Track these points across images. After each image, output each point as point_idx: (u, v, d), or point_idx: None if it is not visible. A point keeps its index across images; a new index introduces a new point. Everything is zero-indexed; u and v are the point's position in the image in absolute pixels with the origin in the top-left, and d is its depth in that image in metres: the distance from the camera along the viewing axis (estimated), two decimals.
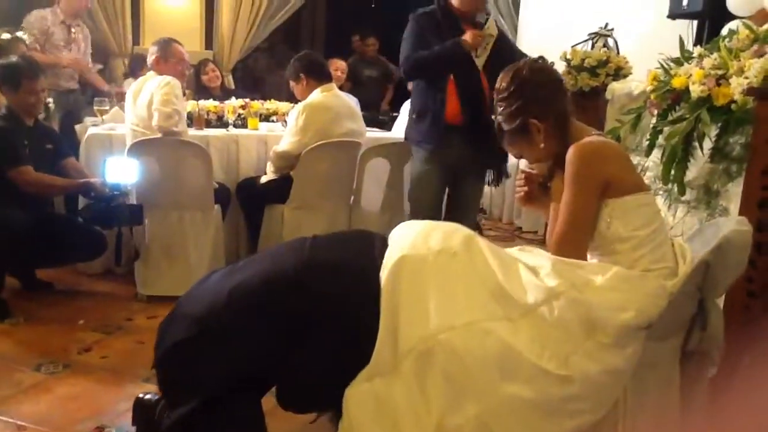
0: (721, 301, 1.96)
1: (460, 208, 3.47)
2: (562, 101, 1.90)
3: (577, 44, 4.53)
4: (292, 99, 4.17)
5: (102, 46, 5.86)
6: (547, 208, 1.99)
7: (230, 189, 3.84)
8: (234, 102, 4.43)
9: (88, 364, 2.68)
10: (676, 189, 2.49)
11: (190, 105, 4.18)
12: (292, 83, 3.81)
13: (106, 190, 3.22)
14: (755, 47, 2.31)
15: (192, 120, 4.03)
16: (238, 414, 1.66)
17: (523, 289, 1.66)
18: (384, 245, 1.75)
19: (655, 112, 2.67)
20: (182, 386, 1.68)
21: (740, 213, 2.15)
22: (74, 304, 3.35)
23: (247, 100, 4.56)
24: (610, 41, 4.61)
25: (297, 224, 3.62)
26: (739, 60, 2.30)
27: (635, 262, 1.72)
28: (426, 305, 1.60)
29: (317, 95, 3.67)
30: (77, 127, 4.24)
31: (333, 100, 3.70)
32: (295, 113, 3.64)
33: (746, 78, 2.20)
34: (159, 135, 3.39)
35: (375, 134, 4.39)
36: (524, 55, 3.23)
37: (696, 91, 2.38)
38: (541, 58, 1.97)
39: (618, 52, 4.50)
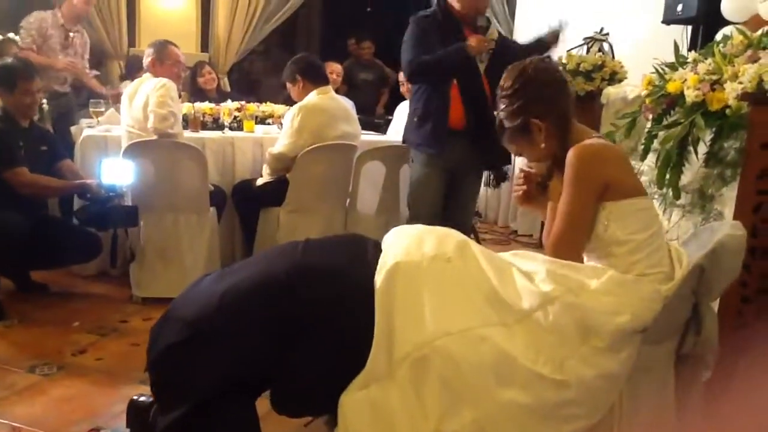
0: (715, 305, 1.97)
1: (457, 210, 3.48)
2: (566, 102, 1.89)
3: (572, 48, 4.54)
4: (288, 102, 4.17)
5: (98, 48, 5.84)
6: (545, 207, 1.99)
7: (226, 191, 3.84)
8: (230, 104, 4.43)
9: (83, 365, 2.68)
10: (671, 193, 2.50)
11: (186, 107, 4.17)
12: (288, 85, 3.81)
13: (101, 192, 3.22)
14: (749, 53, 2.32)
15: (188, 122, 4.03)
16: (232, 417, 1.66)
17: (518, 294, 1.66)
18: (377, 250, 1.75)
19: (650, 116, 2.68)
20: (175, 389, 1.67)
21: (735, 217, 2.16)
22: (69, 305, 3.34)
23: (243, 102, 4.56)
24: (606, 46, 4.63)
25: (293, 227, 3.62)
26: (734, 65, 2.31)
27: (631, 266, 1.73)
28: (421, 311, 1.60)
29: (313, 97, 3.67)
30: (73, 128, 4.24)
31: (329, 103, 3.70)
32: (290, 115, 3.64)
33: (740, 83, 2.21)
34: (154, 137, 3.38)
35: (370, 137, 4.40)
36: (525, 49, 3.25)
37: (690, 95, 2.39)
38: (548, 57, 1.98)
39: (613, 57, 4.52)
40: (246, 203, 3.81)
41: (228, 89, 6.31)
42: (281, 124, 4.07)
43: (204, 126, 4.19)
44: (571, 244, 1.81)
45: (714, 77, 2.35)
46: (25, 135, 3.30)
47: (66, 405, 2.35)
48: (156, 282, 3.44)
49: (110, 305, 3.37)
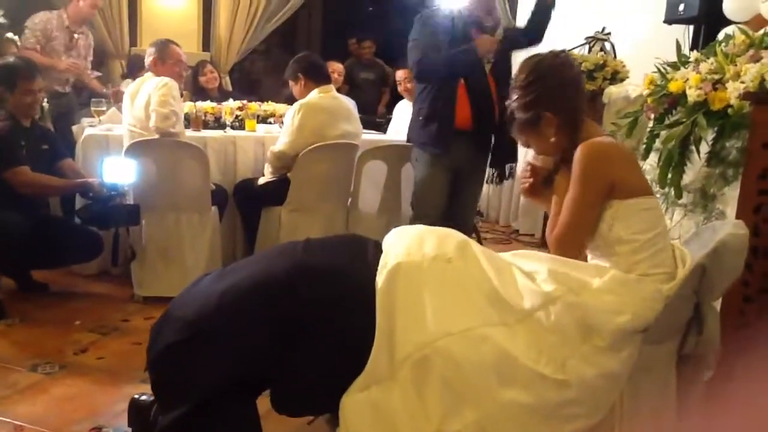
0: (717, 305, 1.97)
1: (460, 210, 3.48)
2: (578, 99, 1.88)
3: (574, 48, 4.54)
4: (289, 101, 4.17)
5: (99, 47, 5.85)
6: (550, 201, 1.98)
7: (227, 190, 3.84)
8: (231, 103, 4.44)
9: (85, 364, 2.68)
10: (672, 192, 2.50)
11: (188, 106, 4.18)
12: (290, 83, 3.82)
13: (103, 191, 3.22)
14: (751, 52, 2.32)
15: (189, 121, 4.03)
16: (233, 416, 1.65)
17: (520, 294, 1.66)
18: (377, 251, 1.74)
19: (652, 115, 2.68)
20: (175, 389, 1.67)
21: (737, 217, 2.16)
22: (70, 305, 3.34)
23: (245, 101, 4.56)
24: (607, 45, 4.63)
25: (294, 226, 3.62)
26: (736, 65, 2.31)
27: (634, 266, 1.72)
28: (422, 312, 1.60)
29: (314, 96, 3.67)
30: (74, 127, 4.24)
31: (330, 102, 3.70)
32: (291, 113, 3.65)
33: (742, 83, 2.21)
34: (156, 136, 3.38)
35: (372, 136, 4.40)
36: (527, 27, 3.24)
37: (692, 95, 2.39)
38: (563, 51, 1.97)
39: (615, 56, 4.52)
40: (247, 202, 3.81)
41: (230, 88, 6.32)
42: (283, 123, 4.08)
43: (206, 125, 4.20)
44: (574, 242, 1.82)
45: (716, 77, 2.35)
46: (27, 134, 3.31)
47: (68, 404, 2.36)
48: (157, 281, 3.44)
49: (112, 304, 3.37)
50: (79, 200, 3.49)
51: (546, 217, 2.05)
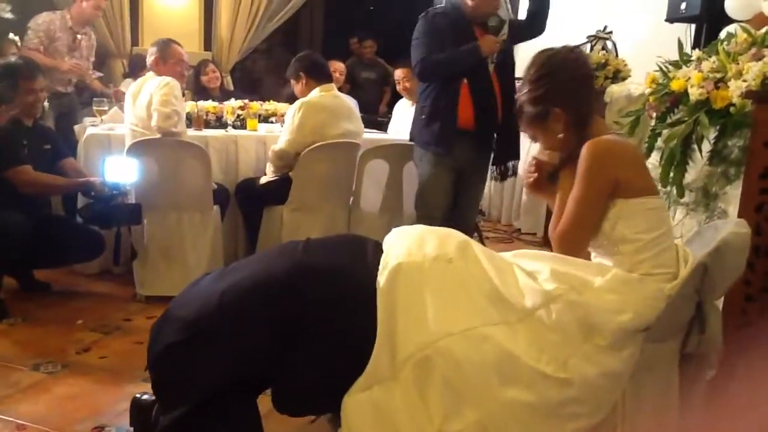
0: (719, 304, 1.97)
1: (462, 210, 3.48)
2: (588, 96, 1.87)
3: (576, 47, 4.53)
4: (290, 100, 4.17)
5: (101, 46, 5.85)
6: (554, 197, 1.97)
7: (229, 190, 3.84)
8: (233, 103, 4.43)
9: (87, 364, 2.68)
10: (674, 191, 2.50)
11: (189, 106, 4.18)
12: (292, 82, 3.82)
13: (105, 190, 3.22)
14: (753, 51, 2.31)
15: (191, 120, 4.03)
16: (233, 416, 1.66)
17: (521, 293, 1.66)
18: (377, 251, 1.74)
19: (654, 114, 2.68)
20: (175, 389, 1.67)
21: (739, 215, 2.16)
22: (72, 304, 3.34)
23: (246, 101, 4.56)
24: (609, 44, 4.62)
25: (296, 225, 3.62)
26: (738, 63, 2.31)
27: (637, 265, 1.72)
28: (423, 312, 1.60)
29: (315, 94, 3.67)
30: (76, 127, 4.24)
31: (331, 101, 3.70)
32: (292, 111, 3.65)
33: (744, 81, 2.21)
34: (158, 135, 3.39)
35: (373, 135, 4.40)
36: (524, 25, 3.26)
37: (694, 94, 2.39)
38: (577, 47, 1.96)
39: (617, 55, 4.52)
40: (249, 201, 3.81)
41: (231, 88, 6.32)
42: (284, 122, 4.08)
43: (207, 124, 4.20)
44: (576, 239, 1.81)
45: (718, 75, 2.35)
46: (29, 134, 3.31)
47: (70, 403, 2.36)
48: (159, 280, 3.44)
49: (114, 303, 3.37)
50: (81, 199, 3.49)
51: (548, 216, 2.05)
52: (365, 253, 1.76)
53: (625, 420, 1.75)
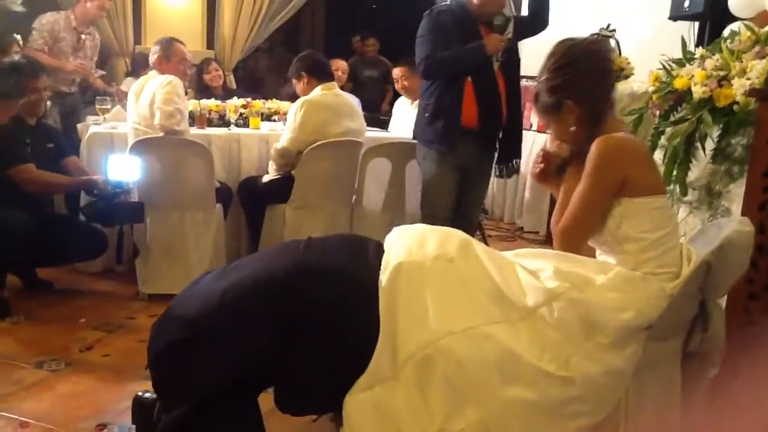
0: (722, 303, 1.96)
1: (466, 209, 3.47)
2: (604, 92, 1.85)
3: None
4: (293, 99, 4.17)
5: (104, 45, 5.86)
6: (558, 188, 1.97)
7: (232, 188, 3.84)
8: (236, 101, 4.44)
9: (90, 362, 2.69)
10: (678, 189, 2.49)
11: (192, 104, 4.19)
12: (294, 81, 3.82)
13: (108, 188, 3.22)
14: (757, 49, 2.31)
15: (194, 119, 4.04)
16: (235, 415, 1.65)
17: (522, 291, 1.66)
18: (378, 251, 1.74)
19: (657, 112, 2.67)
20: (176, 388, 1.67)
21: (742, 214, 2.15)
22: (75, 302, 3.35)
23: (249, 99, 4.56)
24: (612, 42, 4.61)
25: (298, 224, 3.63)
26: (741, 61, 2.30)
27: (642, 264, 1.71)
28: (424, 311, 1.59)
29: (317, 93, 3.67)
30: (79, 126, 4.25)
31: (332, 99, 3.70)
32: (293, 109, 3.65)
33: (748, 79, 2.20)
34: (161, 134, 3.39)
35: (375, 134, 4.40)
36: (527, 20, 3.25)
37: (698, 92, 2.38)
38: (601, 37, 1.93)
39: (620, 53, 4.49)
40: (252, 200, 3.81)
41: (234, 86, 6.33)
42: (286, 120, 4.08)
43: (210, 123, 4.20)
44: (578, 235, 1.81)
45: (721, 73, 2.35)
46: (32, 132, 3.32)
47: (73, 401, 2.37)
48: (162, 279, 3.44)
49: (116, 302, 3.38)
50: (83, 198, 3.49)
51: (551, 215, 2.04)
52: (366, 253, 1.76)
53: (627, 418, 1.74)
